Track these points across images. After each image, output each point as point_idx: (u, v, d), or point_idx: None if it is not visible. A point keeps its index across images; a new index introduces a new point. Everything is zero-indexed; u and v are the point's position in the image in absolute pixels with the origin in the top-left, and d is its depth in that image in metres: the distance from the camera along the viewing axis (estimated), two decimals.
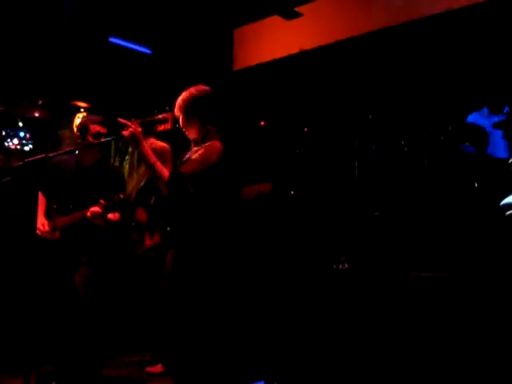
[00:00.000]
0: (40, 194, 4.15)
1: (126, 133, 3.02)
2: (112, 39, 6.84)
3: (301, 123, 6.70)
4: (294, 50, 6.83)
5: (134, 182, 8.23)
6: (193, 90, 3.27)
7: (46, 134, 10.23)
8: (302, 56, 6.77)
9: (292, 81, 6.94)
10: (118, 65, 7.39)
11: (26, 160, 2.99)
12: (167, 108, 7.14)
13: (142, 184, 7.82)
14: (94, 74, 7.70)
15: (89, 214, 3.75)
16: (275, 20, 7.07)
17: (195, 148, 3.26)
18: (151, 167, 3.04)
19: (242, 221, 5.54)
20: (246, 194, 5.82)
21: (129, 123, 3.04)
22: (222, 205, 3.23)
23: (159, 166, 3.02)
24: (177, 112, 3.26)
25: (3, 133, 10.40)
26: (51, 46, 7.19)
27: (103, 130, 3.96)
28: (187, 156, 3.25)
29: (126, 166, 8.23)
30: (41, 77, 8.05)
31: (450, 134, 4.84)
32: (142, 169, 8.44)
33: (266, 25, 7.30)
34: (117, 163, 8.56)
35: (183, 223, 3.15)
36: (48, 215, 4.01)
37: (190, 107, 3.23)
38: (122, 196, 3.70)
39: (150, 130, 3.27)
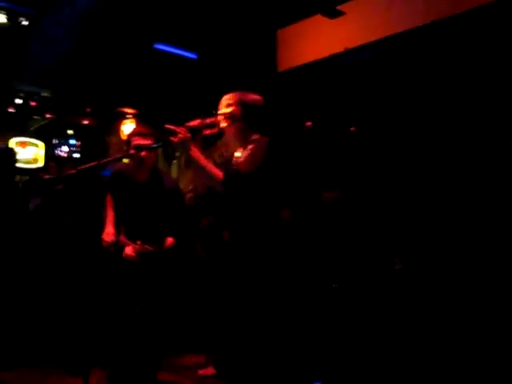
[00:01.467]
0: (108, 200, 4.15)
1: (175, 139, 3.05)
2: (157, 45, 6.95)
3: (348, 123, 6.66)
4: (339, 49, 6.79)
5: (182, 185, 8.35)
6: (257, 96, 3.34)
7: (95, 140, 10.49)
8: (347, 54, 6.73)
9: (338, 80, 6.91)
10: (164, 70, 7.54)
11: (80, 168, 3.06)
12: (214, 112, 7.24)
13: (190, 187, 7.97)
14: (140, 81, 7.85)
15: (123, 255, 3.83)
16: (318, 19, 7.05)
17: (234, 146, 3.34)
18: (203, 170, 3.07)
19: (318, 224, 5.58)
20: (327, 199, 5.83)
21: (177, 129, 3.07)
22: (274, 204, 3.26)
23: (211, 167, 3.07)
24: (233, 103, 3.28)
25: (54, 141, 10.72)
26: (97, 54, 7.35)
27: (145, 142, 3.92)
28: (231, 155, 3.33)
29: (174, 171, 8.37)
30: (88, 85, 8.22)
31: (500, 129, 4.75)
32: (190, 173, 8.60)
33: (309, 24, 7.30)
34: (164, 168, 8.73)
35: (243, 224, 3.16)
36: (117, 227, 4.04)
37: (250, 107, 3.27)
38: (155, 248, 3.73)
39: (197, 135, 3.29)
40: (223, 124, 3.30)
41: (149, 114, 8.81)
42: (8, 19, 6.39)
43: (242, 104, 3.26)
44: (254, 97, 3.33)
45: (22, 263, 5.31)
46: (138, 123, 9.22)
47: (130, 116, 9.34)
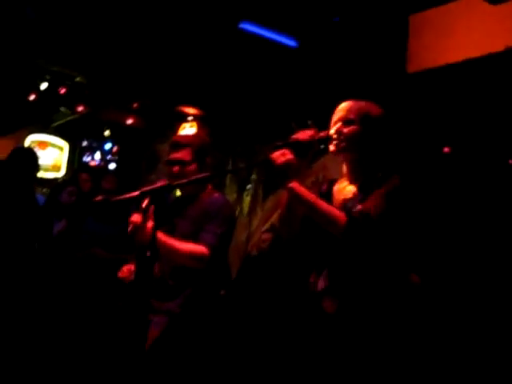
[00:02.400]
0: None
1: (278, 158, 3.01)
2: (243, 25, 6.92)
3: (506, 152, 6.50)
4: (498, 48, 6.52)
5: (257, 221, 8.27)
6: (381, 110, 3.25)
7: (139, 147, 10.57)
8: (510, 55, 6.47)
9: (492, 90, 6.68)
10: (248, 60, 7.50)
11: (145, 189, 3.07)
12: (310, 122, 7.14)
13: (267, 226, 7.89)
14: (212, 71, 7.82)
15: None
16: (471, 3, 6.91)
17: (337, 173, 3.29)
18: (312, 208, 3.02)
19: None
20: None
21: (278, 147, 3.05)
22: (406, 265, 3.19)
23: (324, 205, 3.02)
24: (355, 118, 3.18)
25: (83, 143, 10.86)
26: (154, 30, 7.33)
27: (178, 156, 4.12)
28: (352, 193, 3.22)
29: (247, 199, 8.34)
30: (138, 71, 8.23)
31: None
32: (270, 204, 8.50)
33: (456, 10, 7.09)
34: (233, 194, 8.69)
35: (368, 283, 3.08)
36: None
37: (380, 126, 3.19)
38: None
39: (306, 153, 3.13)
40: (332, 147, 3.19)
41: (218, 118, 8.84)
42: None
43: (366, 121, 3.17)
44: (380, 111, 3.25)
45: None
46: (200, 128, 9.25)
47: (192, 118, 9.39)
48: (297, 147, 3.04)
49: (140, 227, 3.57)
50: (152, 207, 3.53)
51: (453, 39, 7.16)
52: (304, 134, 3.09)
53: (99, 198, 4.21)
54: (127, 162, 10.72)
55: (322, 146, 3.20)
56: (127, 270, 4.04)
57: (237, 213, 8.25)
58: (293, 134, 3.15)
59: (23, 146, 7.49)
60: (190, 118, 9.41)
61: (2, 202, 5.47)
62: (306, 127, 3.28)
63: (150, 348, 3.79)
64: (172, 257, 3.81)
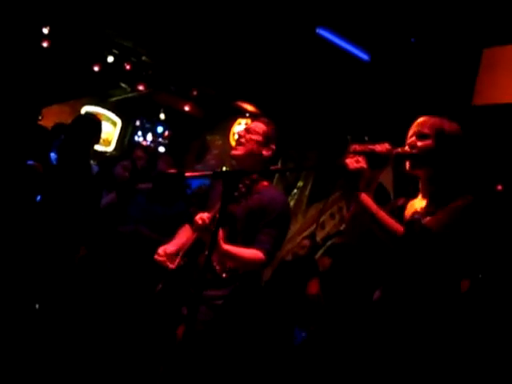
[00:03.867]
0: None
1: (351, 164, 3.00)
2: (321, 31, 6.90)
3: None
4: None
5: (296, 226, 8.29)
6: (456, 126, 3.23)
7: (191, 135, 10.58)
8: None
9: None
10: (315, 65, 7.46)
11: (218, 171, 3.08)
12: (366, 138, 7.09)
13: (306, 233, 7.90)
14: (280, 72, 7.79)
15: None
16: None
17: (422, 197, 3.25)
18: (373, 217, 3.04)
19: None
20: None
21: (356, 150, 3.04)
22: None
23: (385, 216, 3.03)
24: (430, 133, 3.15)
25: (137, 123, 10.93)
26: (228, 26, 7.37)
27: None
28: (418, 208, 3.22)
29: (291, 204, 8.30)
30: (206, 60, 8.22)
31: None
32: (312, 212, 8.51)
33: None
34: None
35: (421, 299, 3.07)
36: None
37: (454, 142, 3.18)
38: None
39: (379, 166, 3.17)
40: (407, 164, 3.20)
41: (275, 118, 8.79)
42: None
43: (440, 136, 3.15)
44: (455, 127, 3.22)
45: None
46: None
47: (248, 116, 9.41)
48: (372, 158, 3.03)
49: (206, 229, 3.49)
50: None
51: None
52: (382, 147, 3.07)
53: (173, 170, 4.18)
54: (176, 148, 10.72)
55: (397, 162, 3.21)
56: (163, 252, 3.89)
57: None
58: (348, 146, 3.12)
59: (90, 114, 7.48)
60: (246, 115, 9.42)
61: (60, 165, 5.54)
62: (362, 141, 3.29)
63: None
64: (230, 261, 3.71)
